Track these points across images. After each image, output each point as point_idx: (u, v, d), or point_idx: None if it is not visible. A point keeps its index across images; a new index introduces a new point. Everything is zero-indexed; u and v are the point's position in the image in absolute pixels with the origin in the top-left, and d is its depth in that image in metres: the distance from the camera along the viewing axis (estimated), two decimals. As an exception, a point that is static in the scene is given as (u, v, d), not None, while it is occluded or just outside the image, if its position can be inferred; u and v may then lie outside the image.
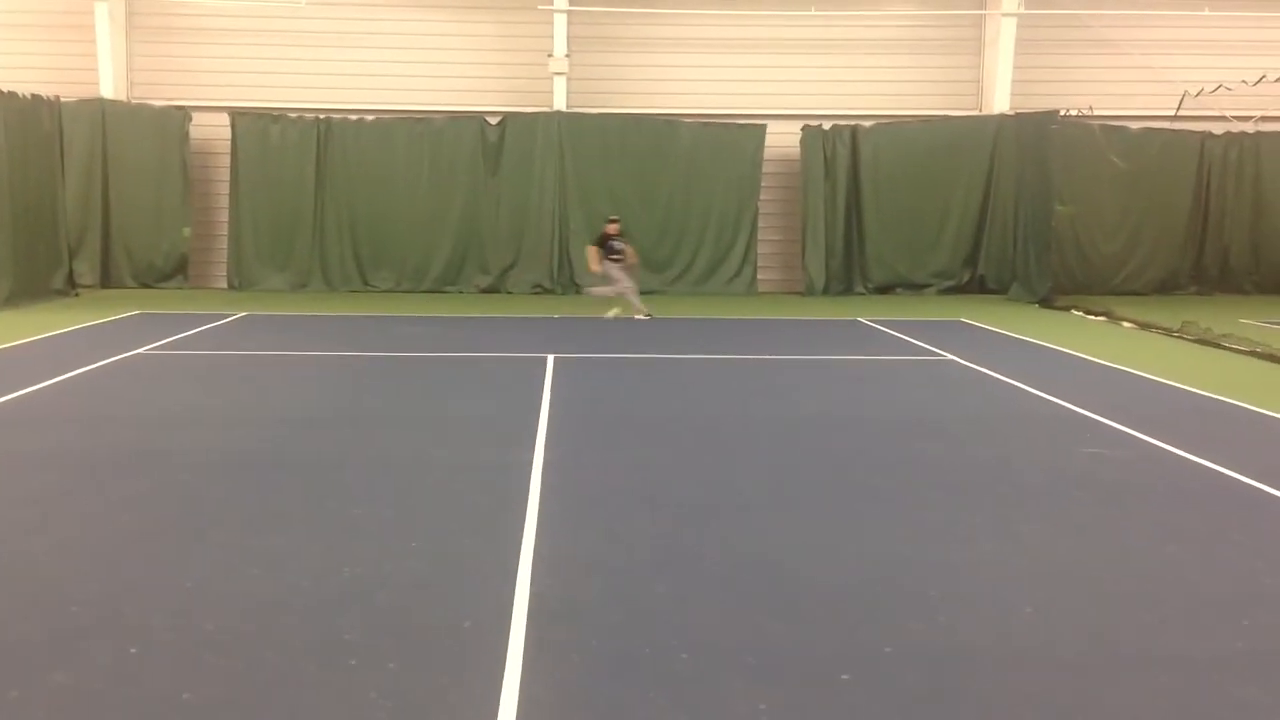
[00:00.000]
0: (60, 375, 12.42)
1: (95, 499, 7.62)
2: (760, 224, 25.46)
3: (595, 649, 5.12)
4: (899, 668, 4.97)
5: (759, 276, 25.50)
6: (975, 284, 25.62)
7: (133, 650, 5.02)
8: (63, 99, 22.73)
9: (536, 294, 24.63)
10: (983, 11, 25.91)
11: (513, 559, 6.35)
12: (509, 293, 24.73)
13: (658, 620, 5.49)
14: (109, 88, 24.58)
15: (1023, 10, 25.38)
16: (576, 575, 6.18)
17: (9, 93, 20.63)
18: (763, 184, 25.37)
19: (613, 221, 20.00)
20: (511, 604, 5.65)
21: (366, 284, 24.93)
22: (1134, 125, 24.90)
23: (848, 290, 25.31)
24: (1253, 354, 15.36)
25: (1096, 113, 24.05)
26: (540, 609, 5.59)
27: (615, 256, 19.58)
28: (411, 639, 5.20)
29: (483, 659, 4.98)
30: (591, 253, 19.79)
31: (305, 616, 5.48)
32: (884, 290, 25.45)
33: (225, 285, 24.94)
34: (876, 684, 4.80)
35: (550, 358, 14.33)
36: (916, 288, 25.51)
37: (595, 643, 5.19)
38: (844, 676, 4.86)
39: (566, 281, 24.95)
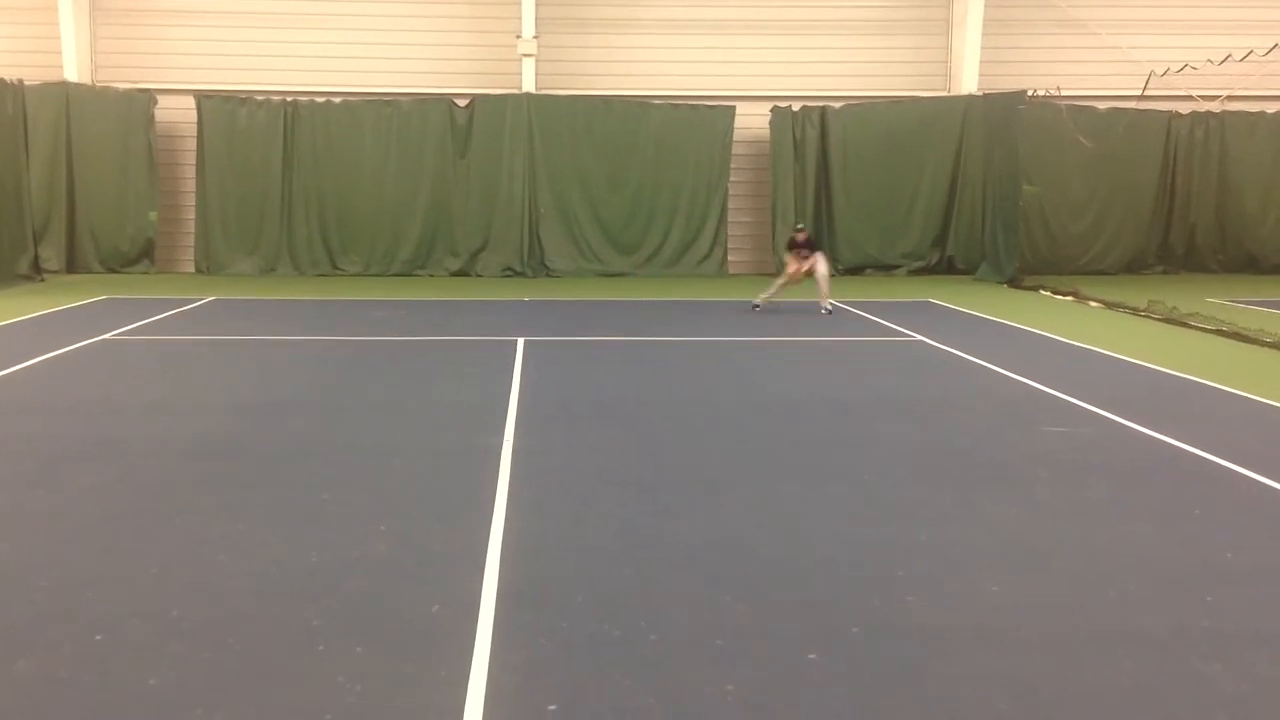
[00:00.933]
0: (25, 361, 12.32)
1: (60, 486, 7.56)
2: (730, 205, 25.50)
3: (564, 632, 5.13)
4: (866, 648, 5.00)
5: (729, 258, 25.54)
6: (944, 264, 25.73)
7: (99, 638, 5.00)
8: (26, 82, 22.52)
9: (506, 277, 24.57)
10: (951, -8, 25.98)
11: (482, 543, 6.35)
12: (479, 276, 24.67)
13: (626, 603, 5.50)
14: (73, 71, 24.35)
15: (990, -9, 25.47)
16: (545, 559, 6.18)
17: (-30, 76, 20.44)
18: (733, 165, 25.40)
19: (800, 230, 18.61)
20: (480, 588, 5.64)
21: (335, 268, 24.83)
22: (1101, 105, 25.01)
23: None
24: (1219, 333, 15.47)
25: (1064, 93, 24.12)
26: (509, 593, 5.59)
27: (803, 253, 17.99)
28: (379, 624, 5.19)
29: (451, 643, 4.98)
30: (789, 261, 18.14)
31: (272, 602, 5.46)
32: (854, 271, 25.50)
33: (193, 270, 24.80)
34: (843, 664, 4.82)
35: (520, 341, 14.30)
36: (886, 268, 25.60)
37: (564, 626, 5.20)
38: (811, 656, 4.88)
39: (536, 264, 24.91)
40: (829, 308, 17.91)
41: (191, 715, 4.28)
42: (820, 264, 18.02)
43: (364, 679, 4.60)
